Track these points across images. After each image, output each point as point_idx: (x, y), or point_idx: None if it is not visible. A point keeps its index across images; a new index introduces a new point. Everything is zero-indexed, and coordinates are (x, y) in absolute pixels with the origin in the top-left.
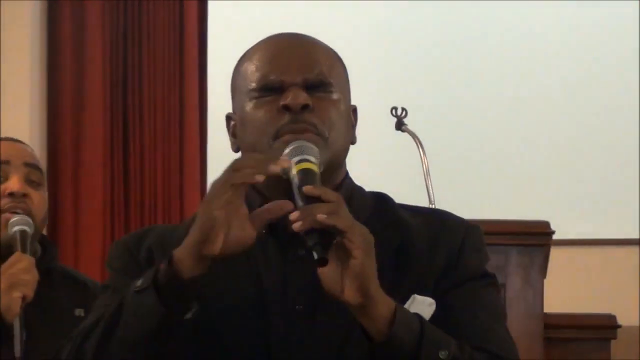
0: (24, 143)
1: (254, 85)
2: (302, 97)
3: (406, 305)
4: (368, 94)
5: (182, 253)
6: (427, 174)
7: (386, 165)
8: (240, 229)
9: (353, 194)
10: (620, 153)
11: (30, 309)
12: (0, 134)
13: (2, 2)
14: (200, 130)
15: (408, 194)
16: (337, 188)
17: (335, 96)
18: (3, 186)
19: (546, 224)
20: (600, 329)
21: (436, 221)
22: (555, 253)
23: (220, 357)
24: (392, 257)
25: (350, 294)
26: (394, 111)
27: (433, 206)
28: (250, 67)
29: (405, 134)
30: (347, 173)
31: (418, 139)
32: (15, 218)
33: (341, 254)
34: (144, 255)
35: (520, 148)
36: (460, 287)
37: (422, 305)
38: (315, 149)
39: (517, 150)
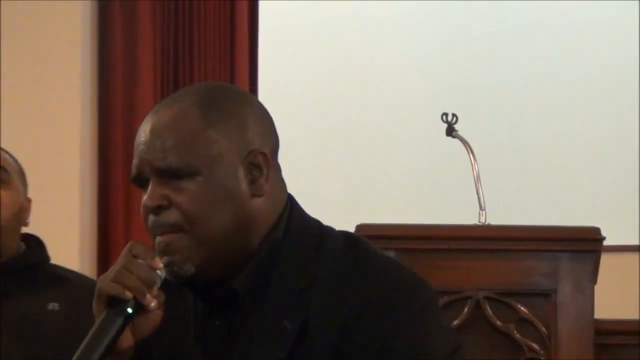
0: None
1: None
2: (153, 198)
3: None
4: (418, 99)
5: None
6: (477, 180)
7: (437, 171)
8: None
9: (280, 253)
10: None
11: (4, 304)
12: (51, 133)
13: (52, 2)
14: None
15: (458, 200)
16: (249, 255)
17: (193, 180)
18: None
19: (597, 230)
20: None
21: (355, 281)
22: (605, 259)
23: None
24: (297, 330)
25: None
26: (444, 117)
27: (484, 212)
28: None
29: (456, 140)
30: (278, 219)
31: (468, 145)
32: None
33: None
34: None
35: (572, 153)
36: None
37: None
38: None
39: (568, 155)
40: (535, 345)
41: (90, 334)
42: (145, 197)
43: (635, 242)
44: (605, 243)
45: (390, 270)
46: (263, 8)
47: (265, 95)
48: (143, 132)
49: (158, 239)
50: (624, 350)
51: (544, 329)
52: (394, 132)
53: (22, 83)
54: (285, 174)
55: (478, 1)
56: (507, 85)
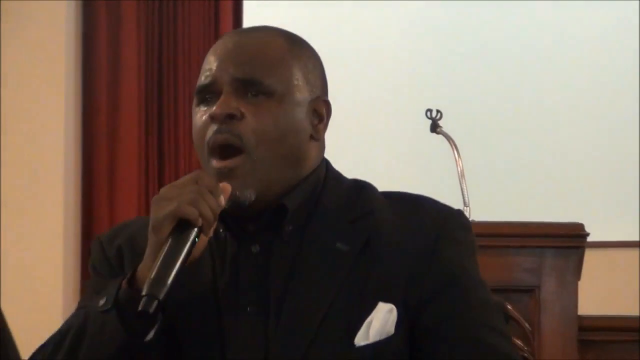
0: None
1: (196, 87)
2: (227, 106)
3: (371, 315)
4: (403, 96)
5: (144, 269)
6: (461, 176)
7: (421, 167)
8: None
9: (324, 189)
10: None
11: None
12: (35, 131)
13: (37, 1)
14: None
15: (442, 196)
16: (296, 186)
17: (269, 100)
18: None
19: (580, 226)
20: (636, 331)
21: (412, 210)
22: (589, 255)
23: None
24: (358, 252)
25: None
26: (428, 113)
27: (467, 209)
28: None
29: (440, 136)
30: (319, 166)
31: (453, 141)
32: None
33: None
34: (114, 254)
35: (556, 150)
36: (437, 295)
37: (382, 314)
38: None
39: (552, 152)
40: (518, 342)
41: (162, 256)
42: (214, 107)
43: (635, 239)
44: (605, 239)
45: (438, 202)
46: (247, 8)
47: None
48: (224, 46)
49: (219, 163)
50: (609, 347)
51: (527, 325)
52: (378, 128)
53: (5, 83)
54: None
55: (465, 0)
56: (491, 81)
